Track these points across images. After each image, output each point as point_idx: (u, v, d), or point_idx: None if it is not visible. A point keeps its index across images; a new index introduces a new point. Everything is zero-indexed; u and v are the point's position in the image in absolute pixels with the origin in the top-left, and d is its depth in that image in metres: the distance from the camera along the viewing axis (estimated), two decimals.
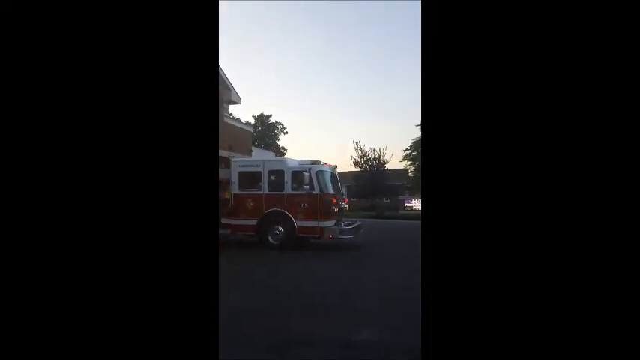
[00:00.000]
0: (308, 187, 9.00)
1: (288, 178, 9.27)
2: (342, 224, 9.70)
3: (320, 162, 9.57)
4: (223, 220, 9.76)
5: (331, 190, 9.51)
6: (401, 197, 27.98)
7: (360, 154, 30.67)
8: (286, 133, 43.88)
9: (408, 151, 36.08)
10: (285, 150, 41.67)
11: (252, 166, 9.94)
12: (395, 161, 59.58)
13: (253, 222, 9.43)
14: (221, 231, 9.80)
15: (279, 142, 42.70)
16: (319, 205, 9.05)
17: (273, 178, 9.46)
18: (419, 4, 1.52)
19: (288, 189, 9.25)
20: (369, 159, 30.43)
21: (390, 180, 31.04)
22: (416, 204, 24.48)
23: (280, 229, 9.24)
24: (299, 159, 10.13)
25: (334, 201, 9.32)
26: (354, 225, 9.95)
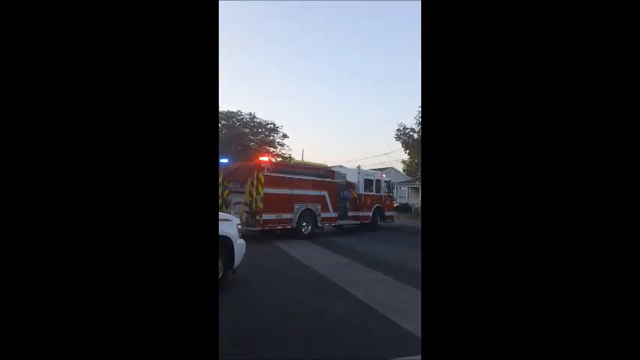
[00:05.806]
0: (388, 190, 15.35)
1: (382, 185, 15.02)
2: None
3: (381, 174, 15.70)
4: (351, 214, 13.51)
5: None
6: None
7: None
8: None
9: None
10: None
11: (370, 175, 14.71)
12: None
13: (369, 213, 14.20)
14: (349, 222, 13.38)
15: None
16: (391, 202, 15.56)
17: (376, 184, 14.71)
18: (419, 4, 1.53)
19: (382, 192, 14.96)
20: None
21: None
22: None
23: (378, 217, 14.70)
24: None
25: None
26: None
